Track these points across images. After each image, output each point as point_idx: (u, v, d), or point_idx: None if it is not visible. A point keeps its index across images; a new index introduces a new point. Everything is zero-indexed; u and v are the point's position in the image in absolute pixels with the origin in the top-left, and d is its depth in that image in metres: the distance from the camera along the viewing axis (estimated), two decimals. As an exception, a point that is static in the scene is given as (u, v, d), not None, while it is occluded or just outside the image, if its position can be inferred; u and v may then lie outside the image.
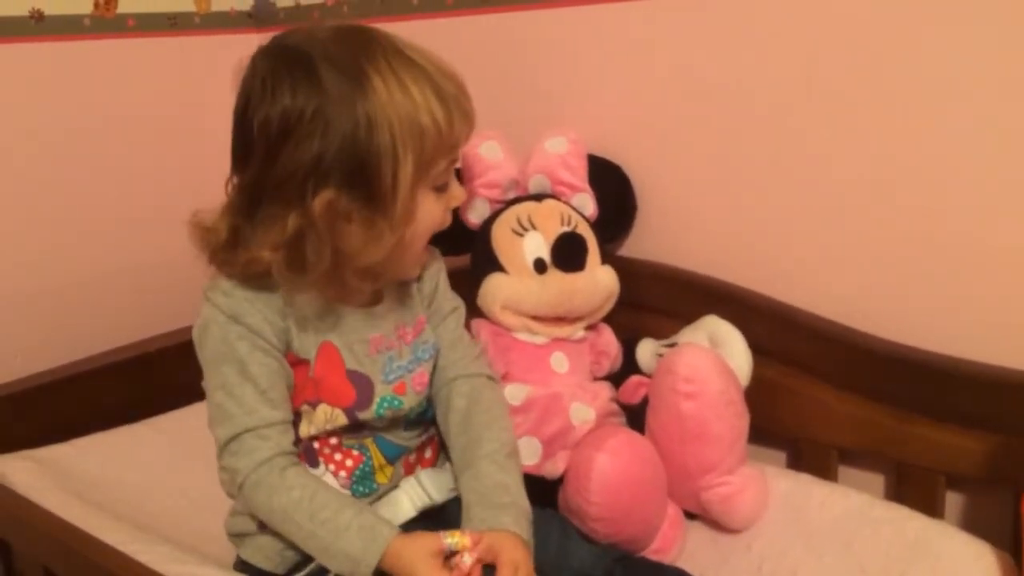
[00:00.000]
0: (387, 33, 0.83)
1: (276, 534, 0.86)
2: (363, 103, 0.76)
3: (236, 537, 0.92)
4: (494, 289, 1.12)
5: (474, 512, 0.85)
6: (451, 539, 0.80)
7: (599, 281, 1.14)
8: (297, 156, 0.77)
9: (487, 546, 0.80)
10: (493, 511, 0.84)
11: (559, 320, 1.13)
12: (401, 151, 0.77)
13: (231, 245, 0.82)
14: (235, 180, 0.84)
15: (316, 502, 0.82)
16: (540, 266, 1.12)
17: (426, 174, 0.81)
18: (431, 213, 0.84)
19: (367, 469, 0.91)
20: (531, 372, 1.10)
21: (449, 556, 0.80)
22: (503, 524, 0.83)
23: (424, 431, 0.97)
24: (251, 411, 0.83)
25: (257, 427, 0.83)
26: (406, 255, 0.86)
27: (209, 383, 0.86)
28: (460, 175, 1.15)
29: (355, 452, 0.91)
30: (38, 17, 1.41)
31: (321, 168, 0.77)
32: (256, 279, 0.84)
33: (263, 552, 0.89)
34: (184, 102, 1.57)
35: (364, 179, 0.77)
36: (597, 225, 1.19)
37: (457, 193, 0.87)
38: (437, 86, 0.80)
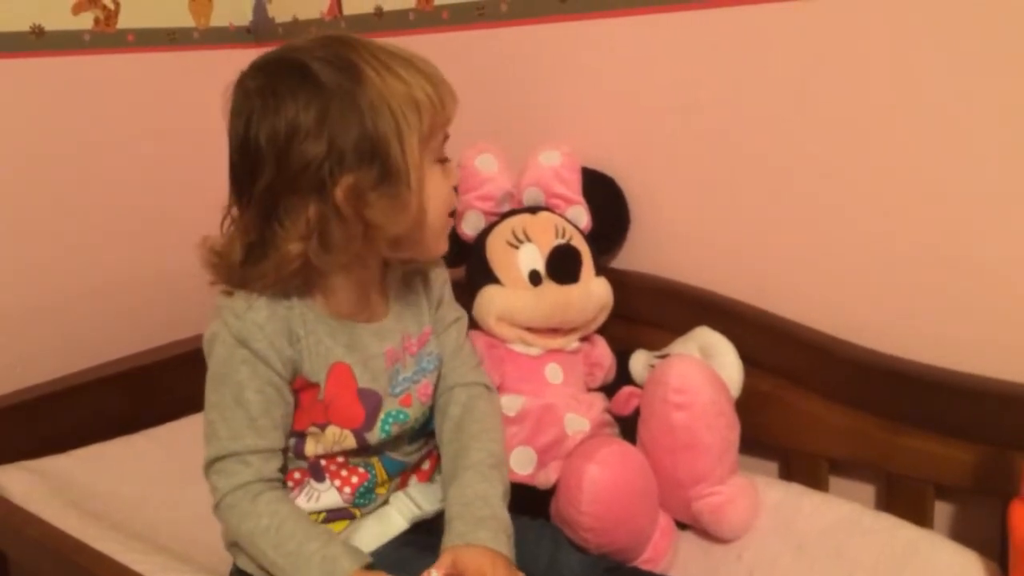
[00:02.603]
0: (360, 36, 0.87)
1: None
2: (361, 90, 0.80)
3: (233, 547, 0.93)
4: (488, 301, 1.13)
5: (454, 526, 0.86)
6: None
7: (593, 293, 1.15)
8: (309, 151, 0.79)
9: (453, 562, 0.81)
10: (471, 526, 0.85)
11: (553, 332, 1.14)
12: (404, 126, 0.80)
13: (253, 261, 0.83)
14: (242, 201, 0.84)
15: (283, 532, 0.83)
16: (535, 278, 1.13)
17: (427, 146, 0.84)
18: (440, 188, 0.87)
19: (370, 485, 0.92)
20: (526, 383, 1.10)
21: None
22: (480, 539, 0.84)
23: (424, 444, 0.98)
24: (237, 437, 0.84)
25: (241, 452, 0.84)
26: (426, 232, 0.87)
27: (208, 398, 0.87)
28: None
29: (361, 469, 0.92)
30: (39, 32, 1.42)
31: (334, 157, 0.79)
32: (274, 294, 0.85)
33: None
34: (183, 116, 1.58)
35: (377, 158, 0.80)
36: (591, 237, 1.20)
37: (453, 169, 0.90)
38: (421, 69, 0.84)
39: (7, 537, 1.07)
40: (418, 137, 0.82)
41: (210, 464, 0.86)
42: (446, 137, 0.88)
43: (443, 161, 0.88)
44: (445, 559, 0.82)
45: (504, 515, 0.88)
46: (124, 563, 0.92)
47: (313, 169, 0.79)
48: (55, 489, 1.15)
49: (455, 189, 0.93)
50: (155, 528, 1.13)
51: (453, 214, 0.93)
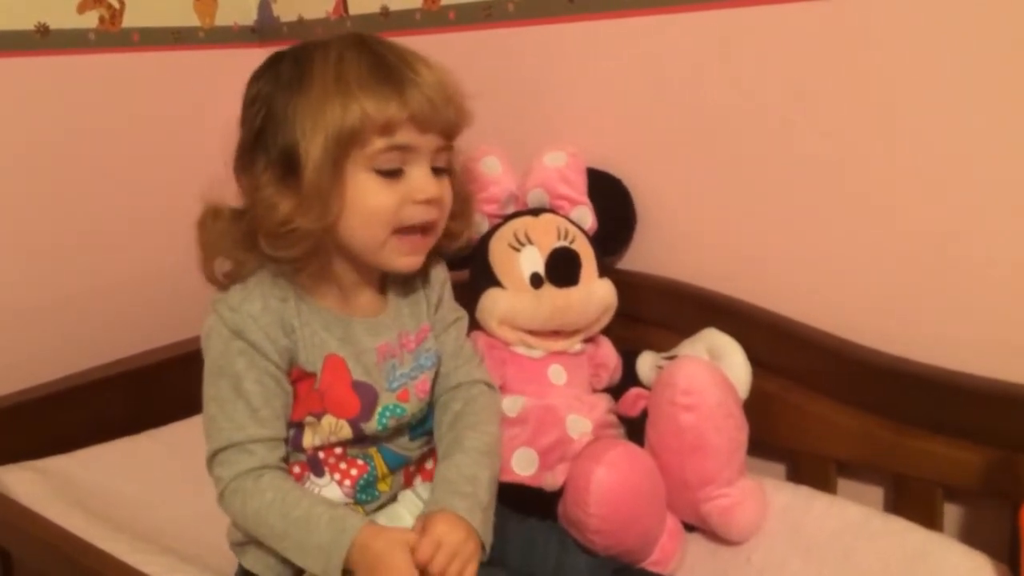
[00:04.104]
0: (370, 35, 0.88)
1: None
2: (298, 88, 0.83)
3: (237, 547, 0.93)
4: (491, 304, 1.12)
5: (435, 496, 0.87)
6: None
7: (595, 294, 1.14)
8: (246, 130, 0.86)
9: (423, 527, 0.82)
10: (451, 496, 0.86)
11: (555, 334, 1.13)
12: (315, 128, 0.81)
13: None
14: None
15: (288, 501, 0.83)
16: (536, 281, 1.13)
17: (349, 151, 0.82)
18: (375, 196, 0.84)
19: (371, 479, 0.92)
20: (528, 384, 1.10)
21: None
22: (453, 506, 0.85)
23: (427, 442, 0.98)
24: (240, 427, 0.85)
25: (243, 442, 0.85)
26: (353, 241, 0.86)
27: (206, 392, 0.87)
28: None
29: (360, 462, 0.92)
30: (44, 31, 1.42)
31: (261, 143, 0.84)
32: (268, 288, 0.86)
33: (264, 561, 0.90)
34: (188, 116, 1.59)
35: (286, 154, 0.82)
36: (597, 238, 1.20)
37: (422, 186, 0.85)
38: (387, 73, 0.83)
39: (11, 536, 1.07)
40: (329, 141, 0.80)
41: (213, 456, 0.86)
42: (400, 149, 0.84)
43: (391, 173, 0.84)
44: (416, 526, 0.84)
45: (485, 498, 0.88)
46: (129, 563, 0.91)
47: (248, 149, 0.85)
48: (58, 489, 1.15)
49: (429, 201, 0.87)
50: (159, 529, 1.13)
51: (426, 229, 0.89)
